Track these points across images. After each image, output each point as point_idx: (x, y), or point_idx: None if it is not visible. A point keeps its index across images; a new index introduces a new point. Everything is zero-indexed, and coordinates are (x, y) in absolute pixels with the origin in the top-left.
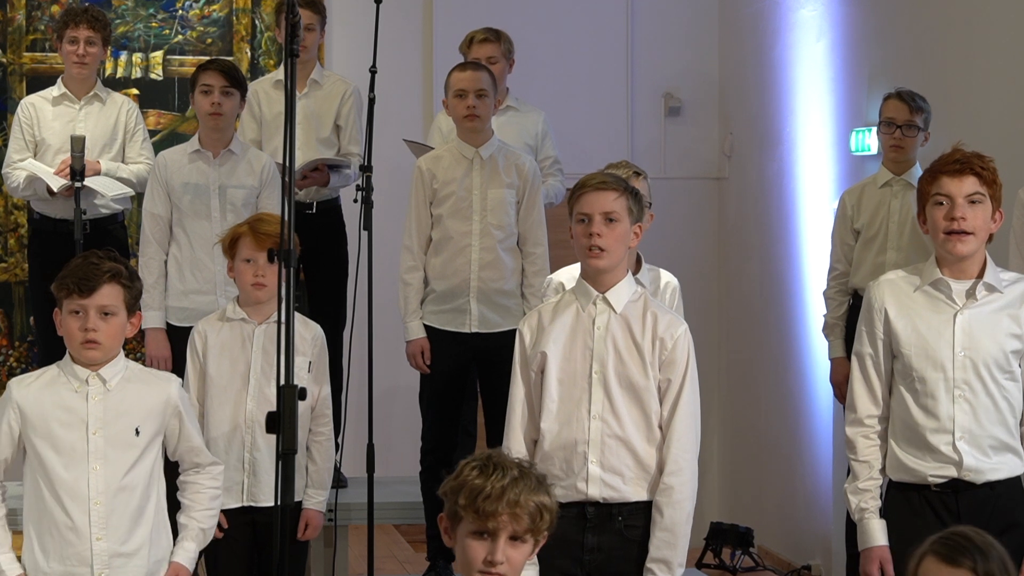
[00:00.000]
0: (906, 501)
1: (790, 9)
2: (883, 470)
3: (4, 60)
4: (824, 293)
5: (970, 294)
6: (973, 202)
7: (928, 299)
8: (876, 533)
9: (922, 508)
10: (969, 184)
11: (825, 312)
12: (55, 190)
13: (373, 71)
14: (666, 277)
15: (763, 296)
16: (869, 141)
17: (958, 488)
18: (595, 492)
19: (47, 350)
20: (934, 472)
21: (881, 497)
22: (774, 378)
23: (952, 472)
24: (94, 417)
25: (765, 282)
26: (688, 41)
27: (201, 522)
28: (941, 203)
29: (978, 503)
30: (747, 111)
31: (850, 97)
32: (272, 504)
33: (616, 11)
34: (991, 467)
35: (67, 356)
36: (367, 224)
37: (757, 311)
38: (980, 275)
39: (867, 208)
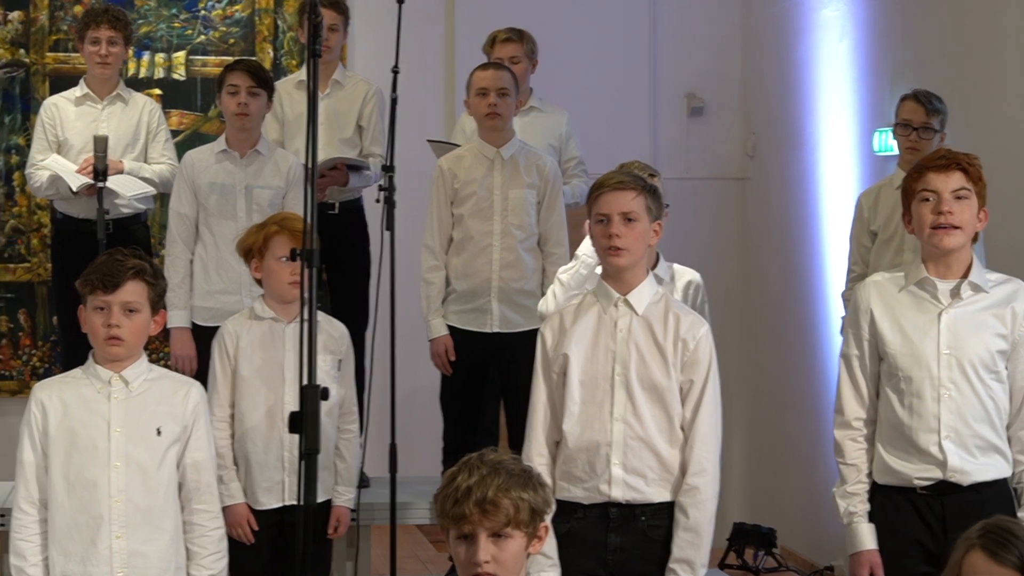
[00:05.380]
0: (891, 504)
1: (812, 9)
2: (871, 473)
3: (27, 60)
4: (843, 295)
5: (955, 293)
6: (959, 198)
7: (913, 299)
8: (865, 537)
9: (907, 511)
10: (955, 179)
11: (844, 314)
12: (75, 189)
13: (396, 71)
14: (689, 275)
15: (785, 296)
16: (891, 141)
17: (944, 491)
18: (618, 494)
19: (70, 349)
20: (920, 474)
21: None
22: (796, 378)
23: (937, 474)
24: (116, 416)
25: (787, 282)
26: (711, 41)
27: (210, 568)
28: (927, 199)
29: (964, 506)
30: (770, 111)
31: (872, 97)
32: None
33: (639, 11)
34: (977, 468)
35: (90, 358)
36: (389, 224)
37: (779, 311)
38: (966, 275)
39: (884, 210)
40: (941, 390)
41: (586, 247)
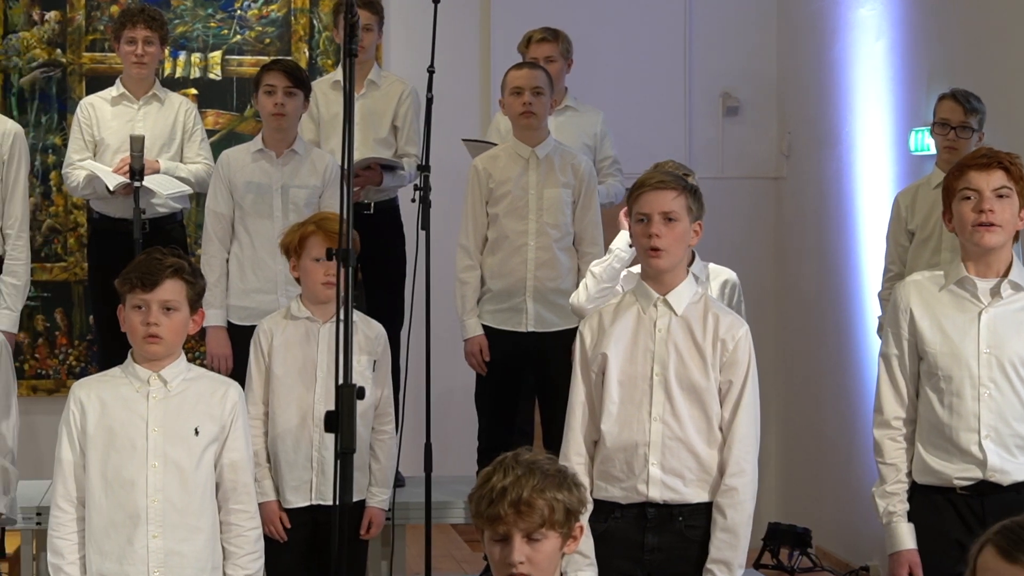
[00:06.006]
0: (931, 504)
1: (849, 8)
2: (909, 473)
3: (64, 60)
4: (879, 294)
5: (995, 292)
6: (1001, 196)
7: (953, 298)
8: (904, 537)
9: (946, 511)
10: (997, 178)
11: (880, 313)
12: (111, 188)
13: (431, 71)
14: (725, 274)
15: (821, 296)
16: (928, 141)
17: (984, 491)
18: (656, 494)
19: (106, 349)
20: (960, 474)
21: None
22: (831, 378)
23: (977, 473)
24: (154, 416)
25: (823, 282)
26: (746, 40)
27: (246, 568)
28: (969, 197)
29: (1004, 506)
30: (805, 110)
31: (909, 96)
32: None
33: (674, 11)
34: (1017, 467)
35: (129, 358)
36: (425, 224)
37: (815, 311)
38: (1006, 274)
39: (921, 209)
40: (981, 389)
41: (620, 241)
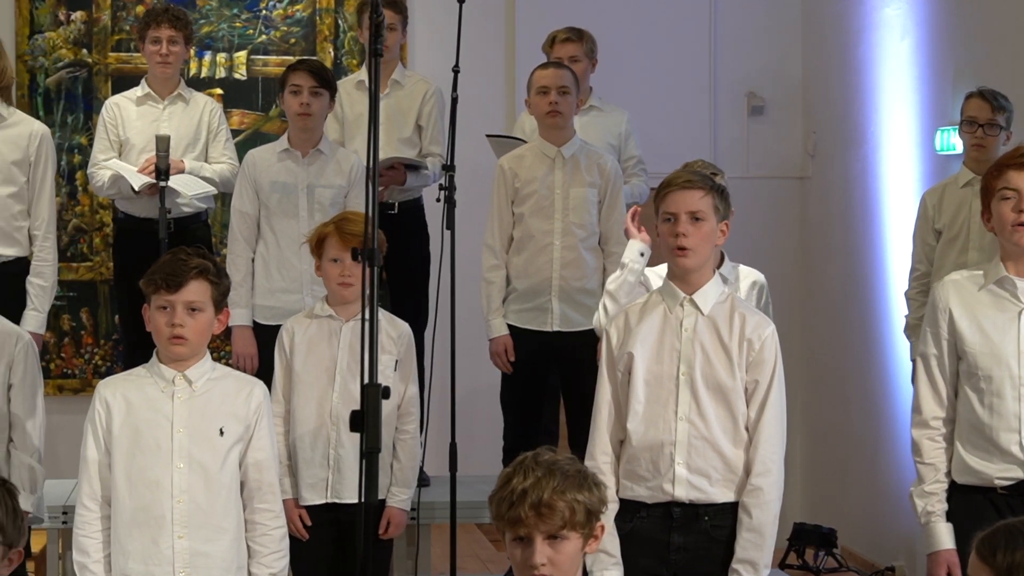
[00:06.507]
0: (971, 504)
1: (874, 8)
2: (948, 473)
3: (90, 60)
4: (906, 294)
5: None
6: None
7: (993, 298)
8: (943, 537)
9: (986, 510)
10: None
11: (907, 313)
12: (136, 188)
13: (456, 71)
14: (753, 276)
15: (846, 296)
16: (954, 140)
17: None
18: (681, 493)
19: (131, 348)
20: (1001, 474)
21: (948, 500)
22: (857, 378)
23: (1018, 473)
24: (179, 416)
25: (848, 282)
26: (771, 40)
27: (271, 567)
28: (1008, 197)
29: None
30: (830, 110)
31: (934, 96)
32: (355, 501)
33: (699, 10)
34: None
35: (154, 357)
36: (450, 223)
37: (840, 311)
38: None
39: (948, 208)
40: (1022, 389)
41: (631, 253)
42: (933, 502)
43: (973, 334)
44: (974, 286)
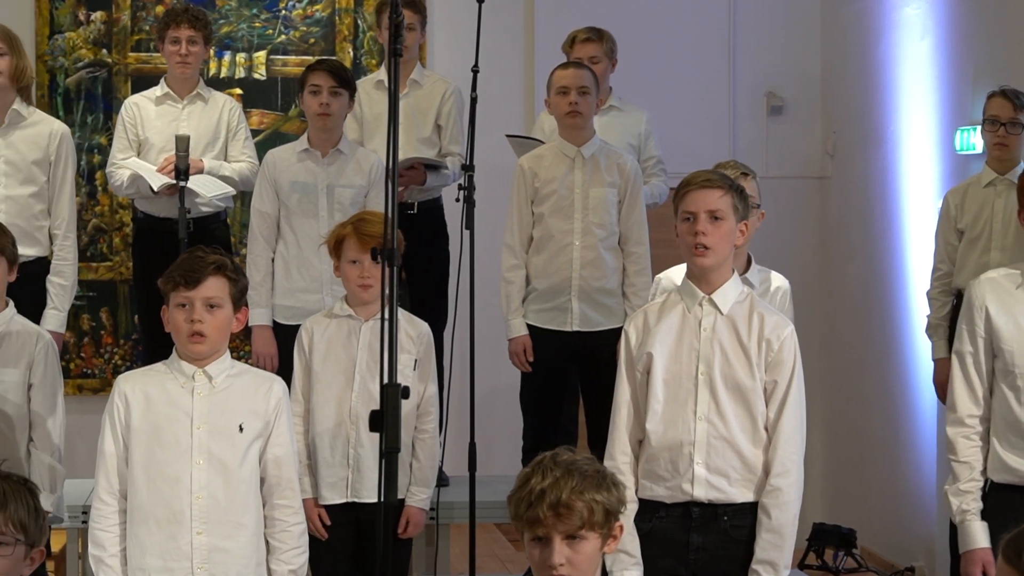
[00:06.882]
0: (1007, 501)
1: (893, 7)
2: (984, 471)
3: (109, 60)
4: (928, 293)
5: None
6: None
7: None
8: (978, 535)
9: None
10: None
11: (929, 312)
12: (156, 188)
13: (475, 71)
14: (777, 280)
15: (866, 296)
16: (974, 140)
17: None
18: (700, 493)
19: (151, 348)
20: None
21: (984, 499)
22: (877, 378)
23: None
24: (199, 412)
25: (868, 282)
26: (790, 40)
27: (290, 563)
28: None
29: None
30: (850, 110)
31: (954, 95)
32: (375, 501)
33: (718, 10)
34: None
35: (174, 353)
36: (469, 223)
37: (860, 311)
38: None
39: (971, 208)
40: None
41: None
42: (968, 500)
43: (1010, 331)
44: (1011, 284)
